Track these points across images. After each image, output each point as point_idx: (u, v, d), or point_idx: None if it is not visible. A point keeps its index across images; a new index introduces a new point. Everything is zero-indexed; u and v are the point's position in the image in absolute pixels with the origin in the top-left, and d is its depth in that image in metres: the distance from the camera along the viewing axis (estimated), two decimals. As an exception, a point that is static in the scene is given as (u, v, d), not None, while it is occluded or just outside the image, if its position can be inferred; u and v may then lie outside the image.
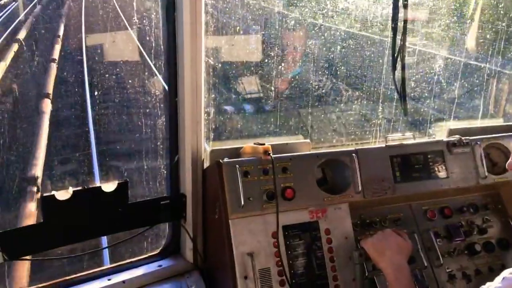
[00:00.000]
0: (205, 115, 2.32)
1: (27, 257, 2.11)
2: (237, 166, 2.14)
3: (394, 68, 2.47)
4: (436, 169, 2.52)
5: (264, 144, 2.26)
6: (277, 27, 3.70)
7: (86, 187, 2.07)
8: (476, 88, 3.52)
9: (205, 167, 2.35)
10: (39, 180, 6.93)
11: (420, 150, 2.52)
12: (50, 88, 9.80)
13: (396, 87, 2.51)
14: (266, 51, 3.74)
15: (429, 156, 2.52)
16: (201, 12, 2.08)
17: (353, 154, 2.35)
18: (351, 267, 2.20)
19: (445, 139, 2.59)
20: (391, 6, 2.41)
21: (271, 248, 2.14)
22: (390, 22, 2.44)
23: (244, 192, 2.12)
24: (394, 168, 2.44)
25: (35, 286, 2.12)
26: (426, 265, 2.29)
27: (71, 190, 1.99)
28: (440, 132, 2.84)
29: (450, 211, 2.51)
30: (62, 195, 1.97)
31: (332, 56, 3.81)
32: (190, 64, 2.12)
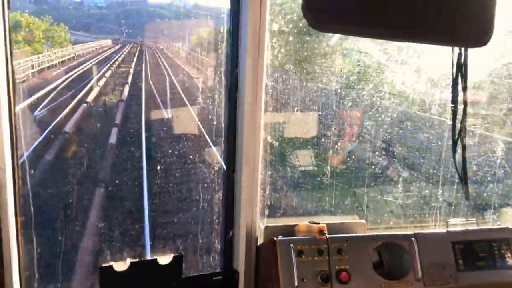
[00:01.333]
0: (261, 191, 2.35)
1: None
2: (291, 245, 2.12)
3: (454, 150, 2.42)
4: (503, 258, 2.37)
5: (319, 223, 2.24)
6: (334, 107, 3.79)
7: (142, 259, 2.11)
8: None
9: (259, 243, 2.34)
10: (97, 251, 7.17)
11: (484, 237, 2.39)
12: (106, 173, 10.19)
13: (457, 170, 2.45)
14: (322, 130, 3.81)
15: (494, 244, 2.39)
16: (261, 93, 2.18)
17: (412, 238, 2.27)
18: None
19: (510, 226, 2.46)
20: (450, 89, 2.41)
21: None
22: (450, 104, 2.43)
23: (298, 272, 2.08)
24: (457, 255, 2.32)
25: None
26: None
27: (128, 261, 2.04)
28: (505, 219, 2.70)
29: None
30: (120, 266, 2.01)
31: (389, 136, 3.81)
32: (249, 141, 2.19)
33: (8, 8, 1.87)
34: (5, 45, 1.88)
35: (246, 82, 2.15)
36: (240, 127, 2.23)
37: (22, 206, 2.02)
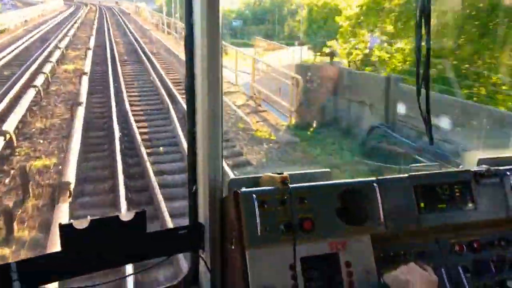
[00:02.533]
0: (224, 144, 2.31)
1: (45, 286, 2.11)
2: (254, 195, 2.11)
3: (418, 96, 2.38)
4: (464, 200, 2.42)
5: (282, 174, 2.23)
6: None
7: (104, 216, 2.08)
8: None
9: (223, 196, 2.33)
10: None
11: (445, 180, 2.43)
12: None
13: (422, 114, 2.42)
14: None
15: (455, 187, 2.42)
16: (219, 44, 2.09)
17: (375, 184, 2.29)
18: None
19: (472, 169, 2.50)
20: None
21: (289, 280, 2.08)
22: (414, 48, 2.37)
23: (261, 222, 2.08)
24: (418, 199, 2.36)
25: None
26: None
27: (88, 218, 2.01)
28: (468, 162, 2.74)
29: (480, 245, 2.39)
30: (80, 223, 1.99)
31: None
32: (208, 91, 2.11)
33: None
34: None
35: (201, 33, 2.05)
36: (198, 80, 2.15)
37: None
